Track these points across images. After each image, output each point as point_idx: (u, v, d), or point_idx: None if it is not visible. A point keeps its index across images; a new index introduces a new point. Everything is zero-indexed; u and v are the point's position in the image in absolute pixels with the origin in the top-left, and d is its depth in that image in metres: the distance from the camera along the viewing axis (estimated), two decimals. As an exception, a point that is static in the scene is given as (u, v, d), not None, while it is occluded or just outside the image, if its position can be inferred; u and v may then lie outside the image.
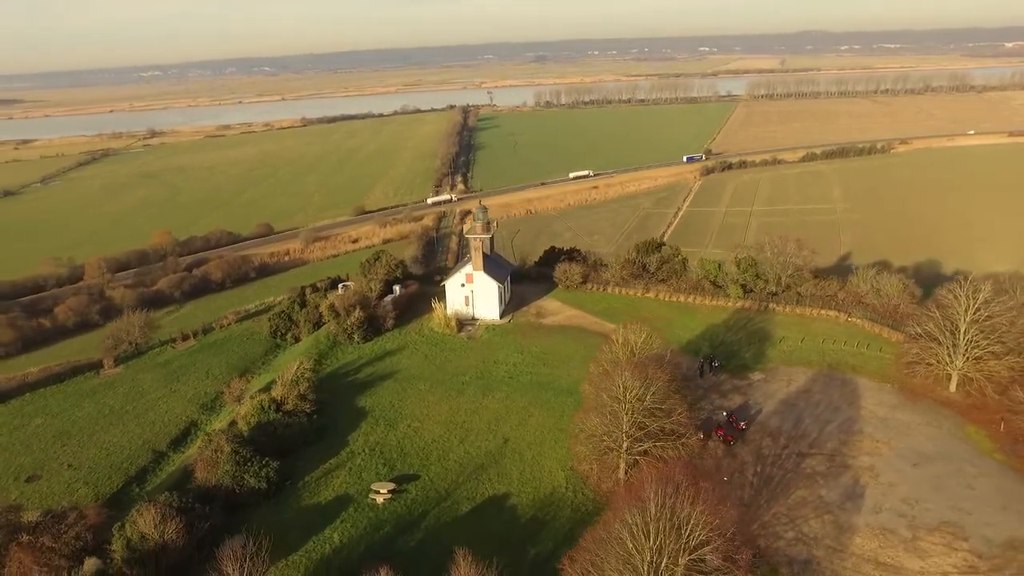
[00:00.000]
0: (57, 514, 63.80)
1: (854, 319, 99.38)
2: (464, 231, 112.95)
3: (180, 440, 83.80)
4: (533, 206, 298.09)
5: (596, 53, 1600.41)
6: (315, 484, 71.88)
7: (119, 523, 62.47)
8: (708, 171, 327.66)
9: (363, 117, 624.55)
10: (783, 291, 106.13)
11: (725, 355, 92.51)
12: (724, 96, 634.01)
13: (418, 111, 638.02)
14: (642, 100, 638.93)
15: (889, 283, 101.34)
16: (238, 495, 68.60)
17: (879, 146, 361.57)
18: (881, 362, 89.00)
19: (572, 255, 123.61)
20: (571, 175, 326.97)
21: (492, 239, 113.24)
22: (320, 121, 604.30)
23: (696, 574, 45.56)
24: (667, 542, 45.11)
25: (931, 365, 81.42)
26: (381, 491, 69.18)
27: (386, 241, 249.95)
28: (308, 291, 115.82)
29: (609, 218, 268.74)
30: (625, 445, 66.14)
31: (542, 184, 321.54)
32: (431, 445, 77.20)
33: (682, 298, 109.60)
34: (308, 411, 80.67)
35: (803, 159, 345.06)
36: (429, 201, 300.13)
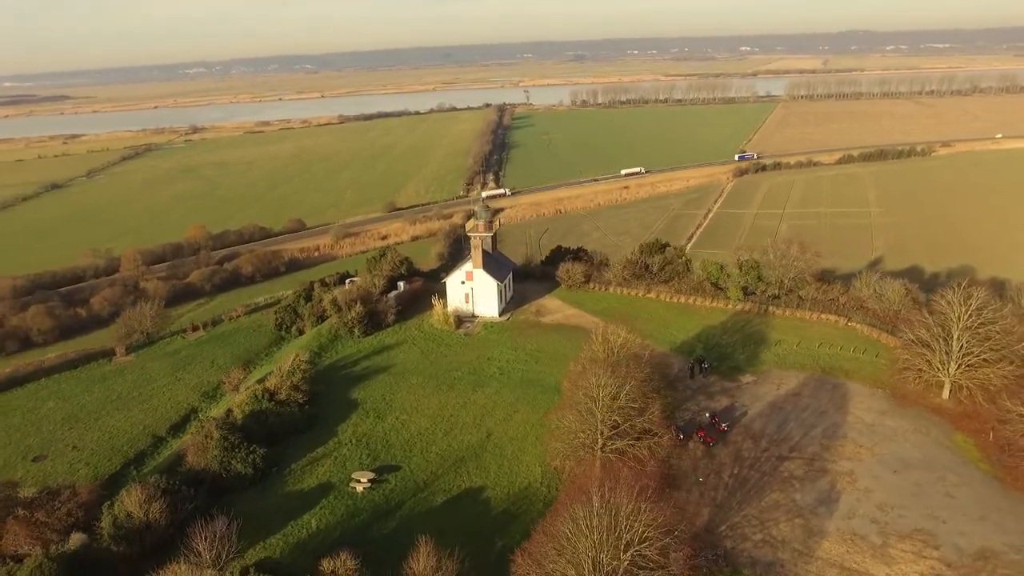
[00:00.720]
0: (52, 491, 67.19)
1: (854, 323, 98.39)
2: (467, 229, 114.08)
3: (179, 426, 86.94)
4: (563, 205, 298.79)
5: (635, 53, 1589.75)
6: (300, 471, 74.15)
7: (109, 502, 65.46)
8: (741, 172, 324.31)
9: (399, 115, 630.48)
10: (785, 294, 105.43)
11: (718, 357, 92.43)
12: (763, 96, 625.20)
13: (454, 109, 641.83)
14: (679, 100, 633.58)
15: (891, 288, 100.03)
16: (225, 479, 71.18)
17: (919, 148, 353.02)
18: (875, 367, 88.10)
19: (578, 255, 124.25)
20: (623, 172, 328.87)
21: (495, 237, 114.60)
22: (357, 118, 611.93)
23: (637, 569, 46.28)
24: (607, 537, 45.93)
25: (923, 371, 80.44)
26: (361, 480, 71.13)
27: (415, 238, 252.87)
28: (317, 285, 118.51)
29: (638, 218, 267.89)
30: (600, 443, 66.88)
31: (574, 183, 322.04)
32: (416, 437, 78.92)
33: (682, 299, 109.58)
34: (300, 401, 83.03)
35: (839, 161, 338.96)
36: (484, 195, 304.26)
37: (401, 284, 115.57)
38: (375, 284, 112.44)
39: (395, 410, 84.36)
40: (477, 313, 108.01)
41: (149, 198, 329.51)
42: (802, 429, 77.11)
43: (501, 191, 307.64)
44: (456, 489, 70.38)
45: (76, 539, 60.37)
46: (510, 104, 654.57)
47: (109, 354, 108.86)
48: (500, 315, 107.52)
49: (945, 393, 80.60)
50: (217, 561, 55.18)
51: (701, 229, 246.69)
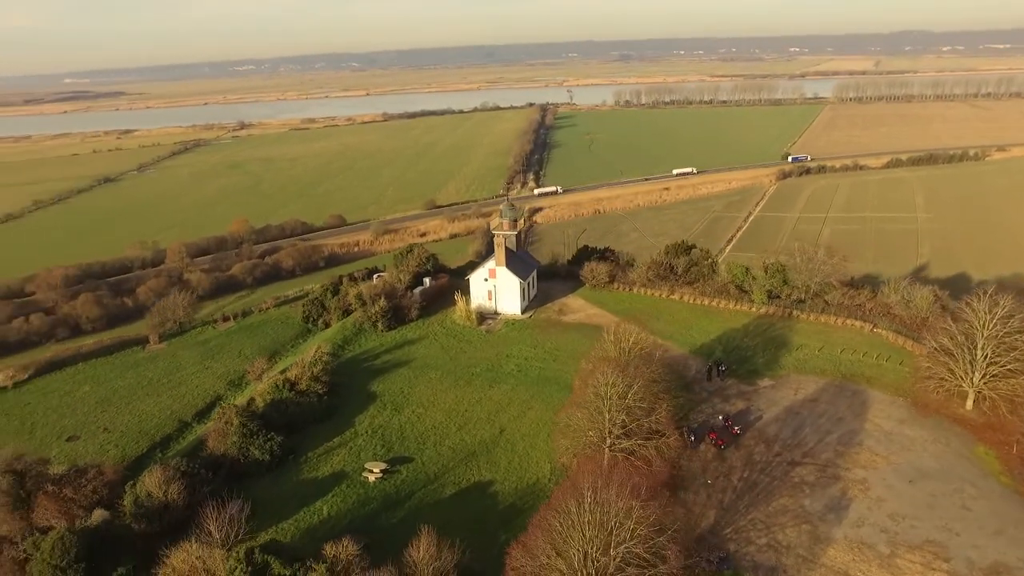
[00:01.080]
0: (80, 469, 70.26)
1: (879, 330, 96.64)
2: (492, 228, 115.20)
3: (204, 412, 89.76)
4: (602, 206, 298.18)
5: (682, 53, 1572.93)
6: (316, 460, 76.07)
7: (131, 482, 68.22)
8: (784, 175, 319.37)
9: (442, 113, 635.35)
10: (811, 299, 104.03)
11: (738, 360, 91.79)
12: (810, 98, 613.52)
13: (497, 108, 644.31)
14: (724, 101, 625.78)
15: (919, 294, 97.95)
16: (243, 465, 73.46)
17: (972, 153, 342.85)
18: (898, 375, 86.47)
19: (604, 255, 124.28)
20: (674, 171, 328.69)
21: (520, 236, 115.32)
22: (401, 116, 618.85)
23: (627, 566, 46.68)
24: (598, 533, 46.44)
25: (946, 380, 78.70)
26: (374, 470, 72.69)
27: (453, 236, 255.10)
28: (345, 279, 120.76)
29: (677, 220, 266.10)
30: (608, 442, 67.23)
31: (614, 184, 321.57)
32: (430, 431, 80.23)
33: (706, 301, 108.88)
34: (320, 392, 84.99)
35: (887, 165, 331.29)
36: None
37: (427, 280, 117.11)
38: (400, 280, 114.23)
39: (412, 403, 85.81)
40: (500, 310, 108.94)
41: (196, 192, 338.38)
42: (817, 435, 76.24)
43: (553, 189, 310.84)
44: (465, 482, 71.45)
45: (98, 515, 63.09)
46: (553, 104, 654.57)
47: (143, 342, 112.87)
48: (522, 313, 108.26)
49: (968, 403, 78.83)
50: (226, 541, 57.31)
51: (741, 232, 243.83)
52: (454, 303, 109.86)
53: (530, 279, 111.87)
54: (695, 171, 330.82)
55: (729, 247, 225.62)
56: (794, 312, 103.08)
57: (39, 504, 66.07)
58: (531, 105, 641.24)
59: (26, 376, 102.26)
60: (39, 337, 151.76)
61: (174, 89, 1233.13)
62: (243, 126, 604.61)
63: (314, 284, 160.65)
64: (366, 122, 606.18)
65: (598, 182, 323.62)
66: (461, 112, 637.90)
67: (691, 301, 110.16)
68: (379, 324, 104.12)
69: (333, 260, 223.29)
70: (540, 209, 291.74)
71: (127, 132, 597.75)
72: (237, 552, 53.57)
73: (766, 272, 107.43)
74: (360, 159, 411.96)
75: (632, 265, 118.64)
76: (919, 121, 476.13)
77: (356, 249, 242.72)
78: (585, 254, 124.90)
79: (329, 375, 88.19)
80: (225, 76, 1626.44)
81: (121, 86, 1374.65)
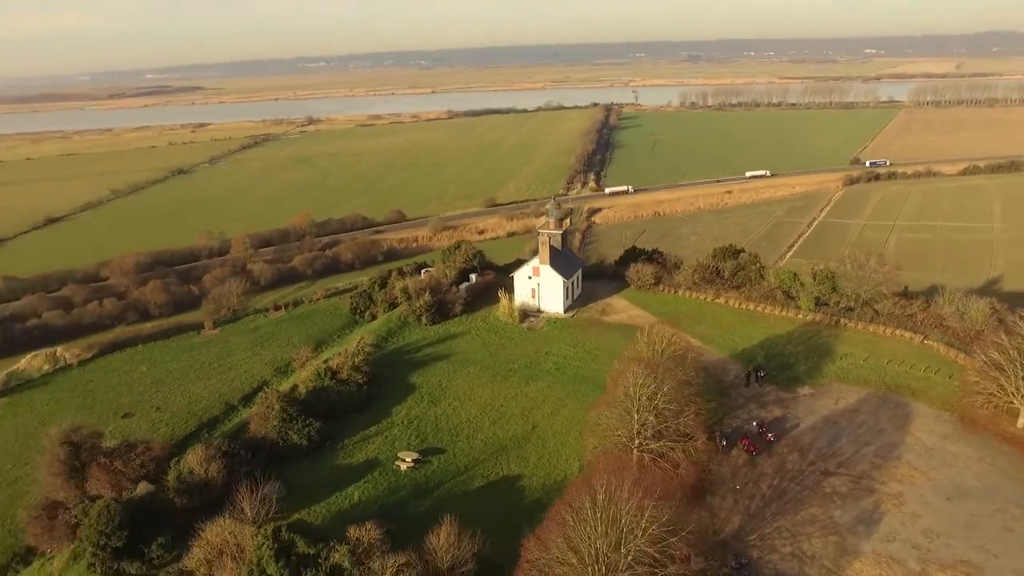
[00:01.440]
0: (130, 444, 74.33)
1: (930, 342, 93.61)
2: (539, 226, 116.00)
3: (250, 397, 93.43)
4: (662, 208, 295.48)
5: (752, 54, 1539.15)
6: (352, 447, 78.42)
7: (176, 459, 71.71)
8: (852, 181, 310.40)
9: (507, 112, 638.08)
10: (860, 307, 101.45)
11: (779, 367, 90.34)
12: (884, 102, 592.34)
13: (561, 108, 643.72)
14: (792, 104, 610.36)
15: (975, 306, 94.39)
16: (281, 448, 76.32)
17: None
18: (946, 388, 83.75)
19: (651, 256, 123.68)
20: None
21: (566, 235, 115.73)
22: (465, 114, 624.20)
23: (636, 564, 46.98)
24: (610, 529, 46.90)
25: (995, 396, 76.01)
26: (406, 459, 74.57)
27: (511, 234, 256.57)
28: (394, 274, 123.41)
29: (738, 224, 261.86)
30: (637, 442, 67.41)
31: (678, 186, 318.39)
32: (465, 424, 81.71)
33: (752, 306, 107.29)
34: (360, 381, 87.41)
35: (963, 172, 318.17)
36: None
37: (473, 276, 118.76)
38: (446, 275, 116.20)
39: (449, 396, 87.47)
40: (543, 308, 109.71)
41: (264, 185, 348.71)
42: (854, 446, 74.59)
43: (624, 188, 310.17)
44: (494, 476, 72.61)
45: (142, 488, 66.72)
46: (617, 104, 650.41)
47: (198, 327, 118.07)
48: (565, 311, 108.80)
49: (1020, 422, 75.88)
50: (257, 519, 59.90)
51: (803, 238, 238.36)
52: (499, 300, 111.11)
53: (574, 278, 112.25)
54: (768, 173, 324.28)
55: (790, 253, 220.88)
56: (842, 320, 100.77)
57: (92, 474, 70.20)
58: (595, 105, 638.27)
59: (90, 355, 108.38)
60: (111, 320, 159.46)
61: (248, 84, 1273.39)
62: (311, 121, 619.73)
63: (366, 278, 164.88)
64: (431, 119, 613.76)
65: (662, 183, 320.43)
66: (525, 111, 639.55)
67: (736, 306, 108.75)
68: (423, 318, 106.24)
69: (392, 255, 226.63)
70: (599, 210, 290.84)
71: (201, 126, 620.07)
72: (265, 529, 55.94)
73: (814, 279, 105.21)
74: (424, 156, 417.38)
75: (679, 268, 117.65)
76: (1002, 126, 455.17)
77: (415, 244, 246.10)
78: (632, 255, 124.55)
79: (370, 365, 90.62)
80: (296, 72, 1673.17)
81: (199, 81, 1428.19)
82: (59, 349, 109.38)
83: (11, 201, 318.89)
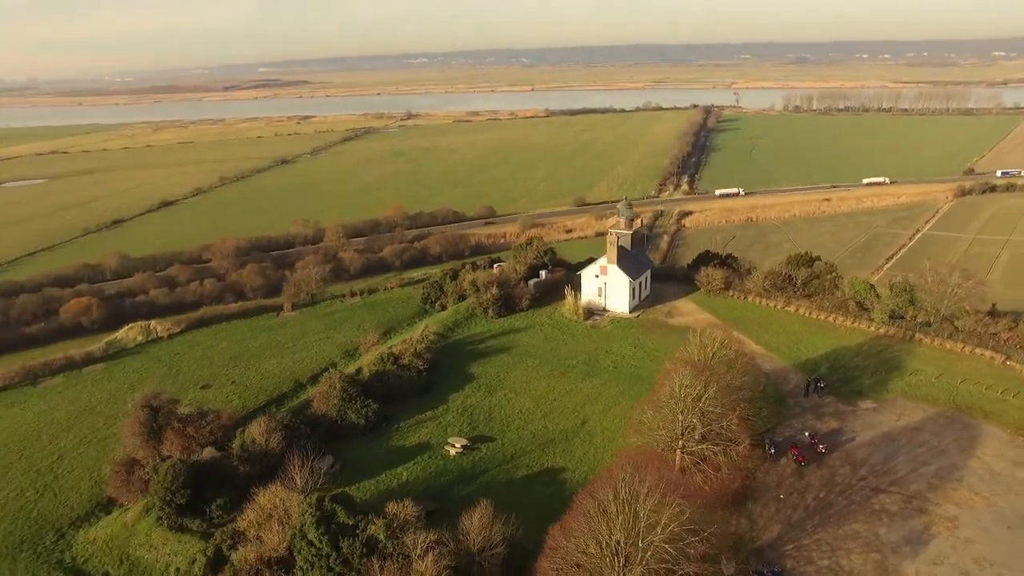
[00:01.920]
0: (202, 412, 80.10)
1: (1013, 363, 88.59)
2: (608, 226, 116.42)
3: (318, 376, 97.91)
4: (756, 214, 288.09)
5: (865, 56, 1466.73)
6: (406, 429, 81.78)
7: (242, 428, 76.90)
8: (964, 192, 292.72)
9: (604, 111, 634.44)
10: (940, 323, 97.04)
11: (842, 379, 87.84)
12: (1009, 108, 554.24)
13: (660, 109, 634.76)
14: (905, 109, 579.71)
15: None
16: (340, 426, 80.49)
17: None
18: None
19: (725, 261, 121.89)
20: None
21: (635, 236, 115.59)
22: (562, 113, 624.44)
23: (654, 560, 47.67)
24: (632, 523, 47.81)
25: (1075, 425, 71.72)
26: (455, 445, 77.23)
27: (598, 234, 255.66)
28: (468, 266, 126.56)
29: (834, 233, 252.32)
30: (680, 443, 67.61)
31: (771, 191, 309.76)
32: (517, 415, 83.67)
33: (822, 316, 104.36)
34: (420, 368, 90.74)
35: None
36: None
37: (543, 273, 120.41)
38: (516, 270, 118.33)
39: (505, 388, 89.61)
40: (608, 307, 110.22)
41: (360, 177, 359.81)
42: (911, 465, 72.00)
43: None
44: (539, 467, 74.25)
45: (208, 452, 72.07)
46: (717, 106, 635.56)
47: (278, 309, 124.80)
48: (630, 311, 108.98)
49: (1101, 452, 71.30)
50: (305, 488, 63.77)
51: (904, 250, 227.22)
52: (565, 297, 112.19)
53: (642, 279, 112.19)
54: (887, 181, 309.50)
55: (888, 265, 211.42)
56: (916, 335, 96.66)
57: (167, 437, 76.20)
58: (694, 107, 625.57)
59: (179, 329, 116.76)
60: (210, 300, 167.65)
61: (353, 79, 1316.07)
62: (410, 116, 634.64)
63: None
64: (528, 117, 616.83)
65: (774, 187, 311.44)
66: (623, 111, 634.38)
67: (806, 315, 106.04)
68: (489, 311, 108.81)
69: (479, 249, 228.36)
70: (690, 213, 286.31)
71: (306, 118, 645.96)
72: (311, 498, 59.63)
73: (891, 291, 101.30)
74: (517, 153, 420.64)
75: (751, 273, 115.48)
76: None
77: (502, 240, 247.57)
78: (705, 259, 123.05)
79: (432, 353, 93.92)
80: (400, 68, 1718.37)
81: (306, 75, 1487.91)
82: (153, 322, 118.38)
83: (132, 185, 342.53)
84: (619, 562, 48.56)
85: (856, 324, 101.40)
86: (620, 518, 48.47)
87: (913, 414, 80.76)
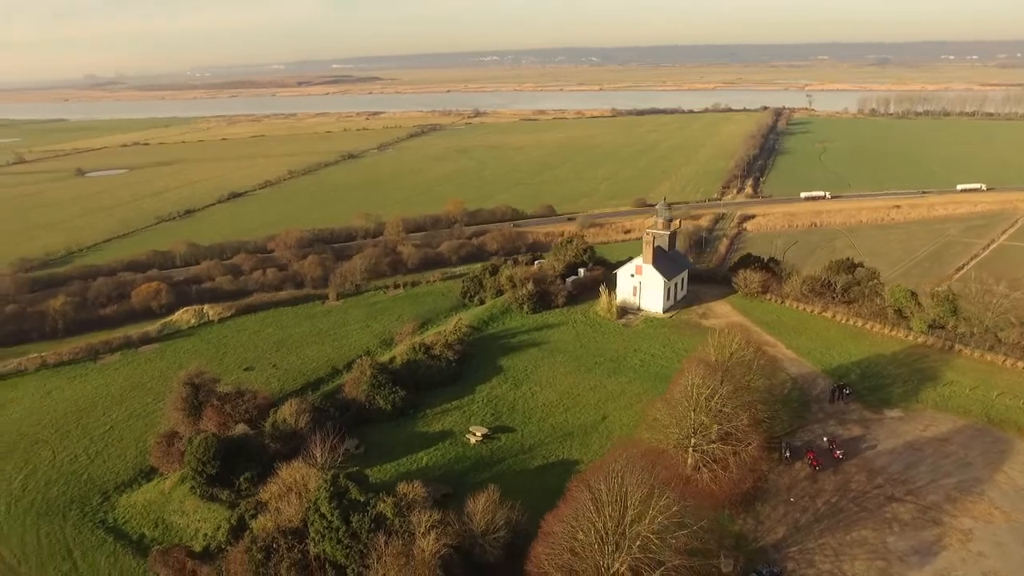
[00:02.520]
0: (240, 392, 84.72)
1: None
2: (646, 227, 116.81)
3: (353, 363, 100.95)
4: (820, 219, 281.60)
5: (951, 58, 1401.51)
6: (431, 417, 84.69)
7: (275, 408, 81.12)
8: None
9: (671, 112, 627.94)
10: (982, 333, 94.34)
11: (872, 387, 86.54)
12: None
13: (729, 110, 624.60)
14: (989, 114, 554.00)
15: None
16: (368, 411, 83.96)
17: None
18: (1061, 430, 76.87)
19: (767, 265, 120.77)
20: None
21: (673, 236, 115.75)
22: (629, 113, 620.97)
23: (640, 550, 49.01)
24: (615, 511, 49.28)
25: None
26: (476, 433, 79.74)
27: None
28: (509, 263, 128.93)
29: (902, 241, 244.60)
30: (692, 441, 68.42)
31: (861, 195, 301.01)
32: (539, 408, 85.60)
33: (859, 323, 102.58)
34: (450, 358, 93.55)
35: None
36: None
37: (581, 271, 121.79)
38: (554, 267, 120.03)
39: (531, 381, 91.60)
40: (643, 307, 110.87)
41: (424, 173, 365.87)
42: (932, 475, 70.79)
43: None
44: (554, 458, 76.00)
45: (240, 428, 76.47)
46: (789, 108, 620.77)
47: (323, 298, 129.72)
48: (664, 311, 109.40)
49: None
50: (325, 466, 67.18)
51: (976, 260, 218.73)
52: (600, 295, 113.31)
53: (678, 280, 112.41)
54: (984, 187, 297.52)
55: (958, 275, 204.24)
56: (956, 346, 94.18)
57: (206, 413, 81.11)
58: (765, 108, 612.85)
59: (229, 314, 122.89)
60: (271, 289, 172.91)
61: (422, 76, 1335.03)
62: (477, 114, 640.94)
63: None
64: (594, 117, 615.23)
65: (865, 191, 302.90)
66: (690, 112, 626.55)
67: (843, 321, 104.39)
68: (525, 306, 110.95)
69: (536, 247, 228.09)
70: (752, 216, 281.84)
71: (375, 114, 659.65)
72: (327, 475, 62.98)
73: (933, 300, 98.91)
74: (581, 152, 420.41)
75: (790, 277, 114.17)
76: None
77: (559, 239, 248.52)
78: (746, 262, 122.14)
79: (463, 345, 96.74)
80: (470, 65, 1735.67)
81: (378, 72, 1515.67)
82: (206, 307, 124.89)
83: (204, 176, 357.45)
84: (608, 549, 50.10)
85: (894, 332, 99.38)
86: (608, 508, 49.96)
87: (941, 425, 79.14)
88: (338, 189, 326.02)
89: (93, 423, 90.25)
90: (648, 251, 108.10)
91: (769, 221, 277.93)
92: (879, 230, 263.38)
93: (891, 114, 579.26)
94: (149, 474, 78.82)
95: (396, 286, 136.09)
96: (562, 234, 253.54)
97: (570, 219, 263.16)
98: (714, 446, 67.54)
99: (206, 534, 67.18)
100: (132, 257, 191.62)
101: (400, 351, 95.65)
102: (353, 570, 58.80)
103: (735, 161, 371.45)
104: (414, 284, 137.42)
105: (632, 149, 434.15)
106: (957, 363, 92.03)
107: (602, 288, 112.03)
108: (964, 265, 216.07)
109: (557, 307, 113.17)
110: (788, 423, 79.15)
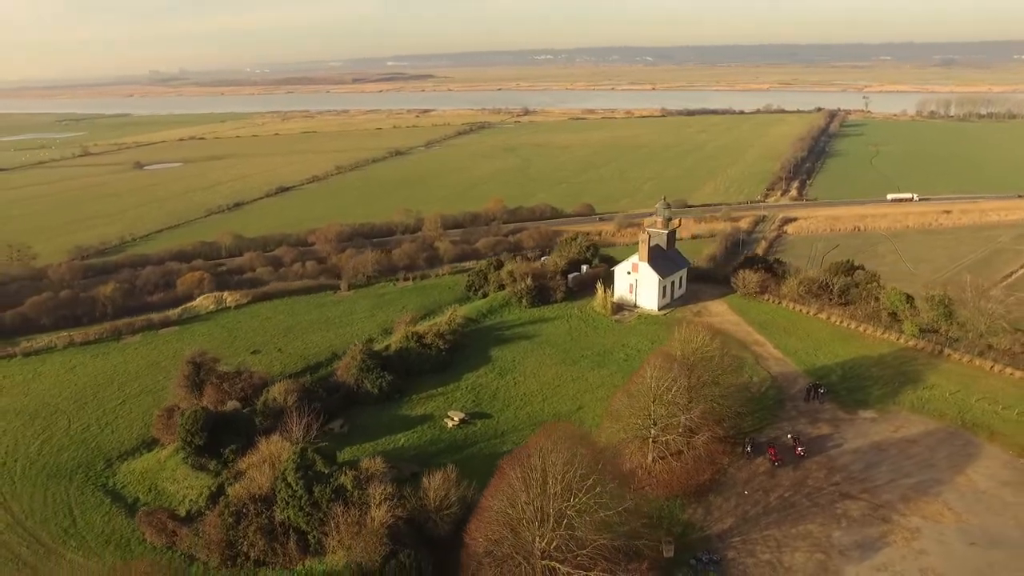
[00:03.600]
0: (238, 372, 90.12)
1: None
2: (645, 225, 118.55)
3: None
4: (864, 223, 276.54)
5: (1023, 58, 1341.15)
6: (415, 401, 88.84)
7: (267, 388, 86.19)
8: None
9: (722, 113, 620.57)
10: (976, 338, 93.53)
11: (852, 388, 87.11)
12: None
13: (781, 111, 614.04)
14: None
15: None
16: (356, 393, 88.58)
17: None
18: (1037, 436, 76.27)
19: (771, 267, 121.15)
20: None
21: (673, 235, 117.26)
22: (679, 113, 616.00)
23: (560, 526, 51.91)
24: (538, 488, 52.32)
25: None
26: (453, 418, 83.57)
27: (694, 236, 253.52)
28: (518, 258, 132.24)
29: (949, 247, 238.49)
30: (653, 432, 70.78)
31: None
32: (519, 397, 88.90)
33: (852, 325, 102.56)
34: (441, 347, 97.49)
35: None
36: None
37: (584, 268, 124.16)
38: (556, 263, 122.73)
39: (516, 372, 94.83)
40: (639, 304, 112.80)
41: (469, 171, 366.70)
42: (892, 475, 71.40)
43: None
44: (523, 444, 78.76)
45: (231, 405, 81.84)
46: (844, 110, 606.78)
47: (335, 288, 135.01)
48: (659, 309, 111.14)
49: (1103, 481, 68.03)
50: (298, 440, 71.74)
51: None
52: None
53: (675, 278, 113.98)
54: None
55: (1004, 283, 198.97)
56: (946, 350, 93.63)
57: (206, 390, 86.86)
58: (819, 110, 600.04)
59: (246, 301, 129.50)
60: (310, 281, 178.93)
61: (476, 74, 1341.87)
62: (526, 112, 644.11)
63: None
64: (643, 116, 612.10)
65: (865, 197, 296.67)
66: (742, 113, 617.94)
67: (837, 322, 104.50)
68: (523, 300, 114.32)
69: None
70: (794, 219, 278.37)
71: (425, 112, 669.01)
72: (297, 448, 67.47)
73: (927, 303, 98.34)
74: (627, 152, 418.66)
75: (787, 278, 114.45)
76: None
77: (596, 238, 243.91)
78: (752, 262, 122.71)
79: (455, 335, 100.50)
80: (524, 64, 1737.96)
81: (433, 69, 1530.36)
82: (225, 293, 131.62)
83: (255, 170, 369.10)
84: (534, 525, 53.07)
85: (885, 335, 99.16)
86: (534, 486, 52.92)
87: (913, 427, 79.38)
88: (383, 185, 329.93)
89: (108, 397, 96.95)
90: (644, 249, 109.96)
91: (811, 224, 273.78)
92: (925, 235, 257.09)
93: (952, 116, 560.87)
94: (151, 445, 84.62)
95: (406, 278, 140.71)
96: (599, 233, 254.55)
97: (602, 219, 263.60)
98: (668, 437, 69.87)
99: (191, 500, 72.48)
100: (180, 247, 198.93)
101: (395, 339, 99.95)
102: (313, 536, 63.23)
103: (781, 163, 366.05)
104: (424, 276, 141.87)
105: (679, 149, 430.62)
106: (944, 367, 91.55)
107: (599, 285, 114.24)
108: (1013, 272, 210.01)
109: (555, 302, 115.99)
110: (759, 420, 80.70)
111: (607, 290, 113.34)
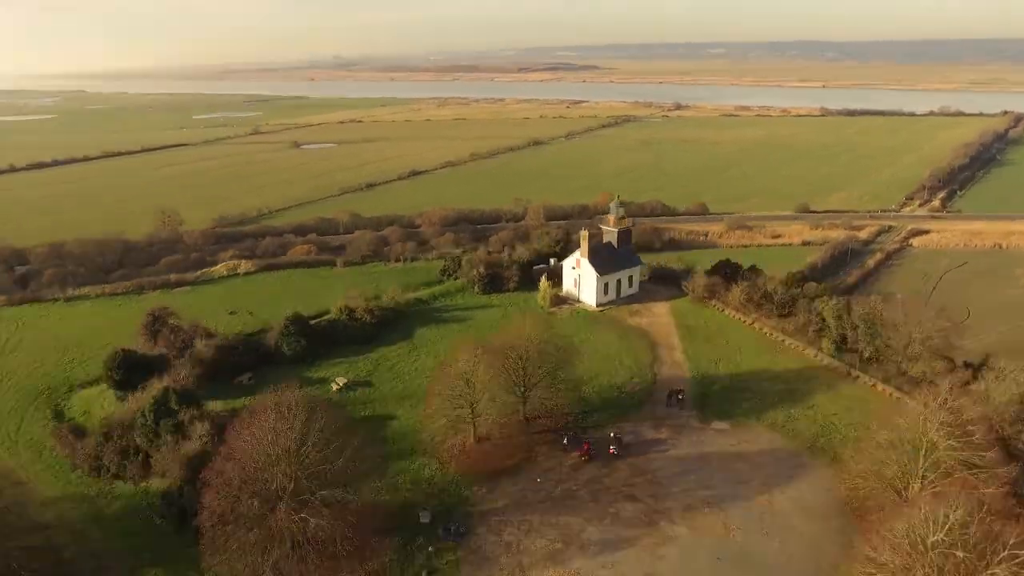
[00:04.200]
0: (192, 326, 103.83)
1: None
2: (610, 224, 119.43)
3: (314, 317, 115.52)
4: (1009, 241, 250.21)
5: None
6: (321, 366, 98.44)
7: (203, 340, 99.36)
8: None
9: (890, 114, 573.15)
10: (899, 361, 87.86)
11: (723, 399, 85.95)
12: None
13: (959, 114, 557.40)
14: None
15: (1000, 388, 75.45)
16: (274, 353, 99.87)
17: None
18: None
19: (746, 275, 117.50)
20: None
21: (628, 234, 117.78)
22: (839, 113, 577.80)
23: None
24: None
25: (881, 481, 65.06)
26: (338, 382, 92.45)
27: (805, 243, 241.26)
28: (509, 248, 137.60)
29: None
30: (456, 414, 75.71)
31: None
32: (410, 371, 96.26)
33: (782, 338, 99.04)
34: (368, 321, 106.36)
35: None
36: None
37: (552, 261, 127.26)
38: (521, 256, 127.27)
39: (424, 349, 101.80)
40: (581, 299, 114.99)
41: (600, 164, 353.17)
42: (693, 486, 71.03)
43: None
44: (381, 412, 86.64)
45: (158, 351, 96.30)
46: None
47: (332, 264, 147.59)
48: (597, 306, 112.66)
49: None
50: (177, 382, 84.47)
51: None
52: (560, 285, 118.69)
53: (622, 276, 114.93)
54: None
55: None
56: (854, 372, 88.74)
57: (159, 338, 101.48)
58: (1005, 113, 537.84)
59: (255, 269, 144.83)
60: (409, 259, 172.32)
61: (641, 67, 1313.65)
62: (677, 107, 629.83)
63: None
64: (800, 115, 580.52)
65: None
66: (912, 115, 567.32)
67: (768, 334, 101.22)
68: (475, 287, 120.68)
69: (671, 244, 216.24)
70: (925, 232, 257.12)
71: (576, 103, 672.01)
72: (162, 387, 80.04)
73: (848, 319, 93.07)
74: (774, 151, 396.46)
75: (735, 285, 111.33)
76: None
77: (702, 238, 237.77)
78: (724, 269, 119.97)
79: (384, 312, 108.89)
80: (695, 57, 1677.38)
81: (599, 61, 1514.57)
82: (241, 261, 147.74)
83: (398, 153, 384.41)
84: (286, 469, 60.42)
85: (807, 351, 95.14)
86: (284, 439, 60.42)
87: (757, 444, 77.64)
88: (513, 174, 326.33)
89: (101, 340, 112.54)
90: (585, 245, 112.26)
91: (944, 238, 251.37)
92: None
93: None
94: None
95: (398, 259, 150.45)
96: (706, 233, 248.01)
97: (706, 218, 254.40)
98: (474, 419, 74.70)
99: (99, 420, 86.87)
100: (300, 221, 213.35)
101: (332, 312, 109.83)
102: (155, 460, 75.04)
103: (930, 171, 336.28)
104: (413, 259, 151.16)
105: (827, 152, 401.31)
106: (843, 389, 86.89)
107: (543, 278, 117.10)
108: None
109: (508, 291, 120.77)
110: (609, 416, 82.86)
111: (553, 284, 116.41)
